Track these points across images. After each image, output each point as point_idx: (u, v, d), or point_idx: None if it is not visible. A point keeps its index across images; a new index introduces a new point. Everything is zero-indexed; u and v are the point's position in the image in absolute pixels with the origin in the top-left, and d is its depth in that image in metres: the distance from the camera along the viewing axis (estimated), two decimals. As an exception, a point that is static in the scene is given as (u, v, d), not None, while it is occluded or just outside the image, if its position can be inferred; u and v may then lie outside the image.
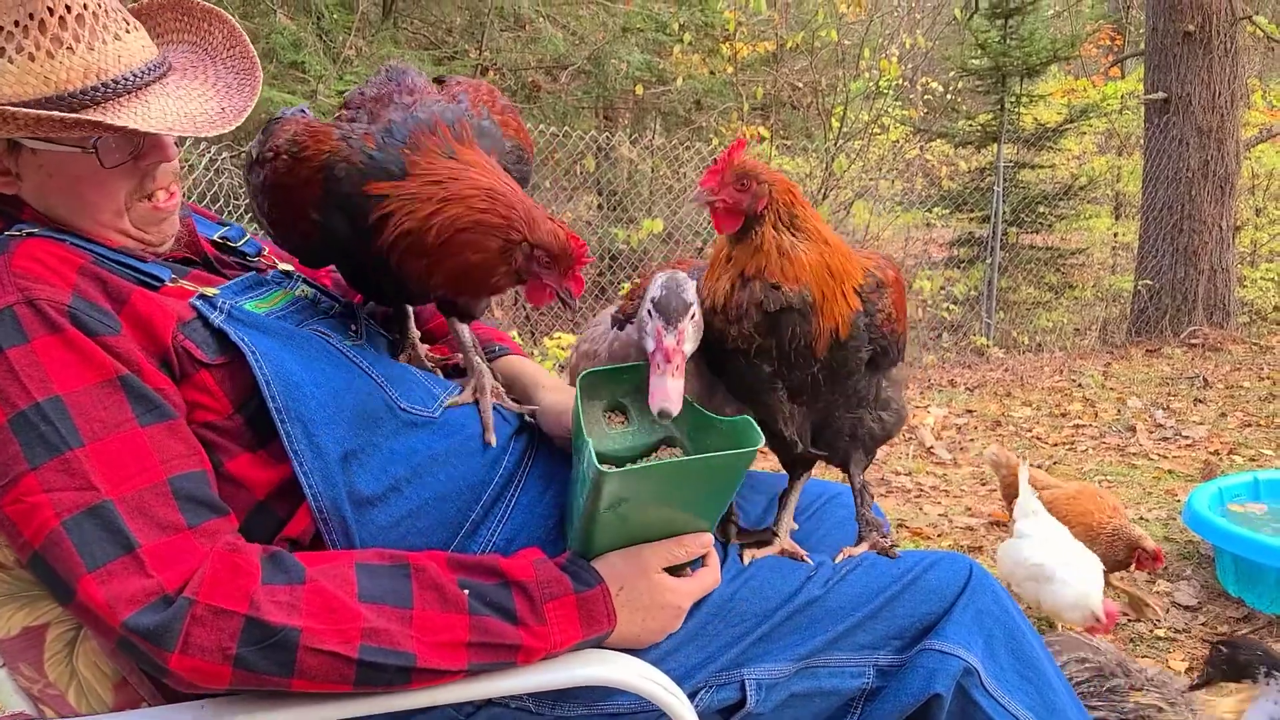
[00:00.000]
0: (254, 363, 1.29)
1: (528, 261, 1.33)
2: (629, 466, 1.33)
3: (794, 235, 1.36)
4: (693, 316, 1.34)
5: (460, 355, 1.63)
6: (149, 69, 1.33)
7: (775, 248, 1.36)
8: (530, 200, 1.34)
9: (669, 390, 1.28)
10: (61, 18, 1.25)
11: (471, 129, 1.41)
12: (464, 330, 1.59)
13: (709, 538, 1.40)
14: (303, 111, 1.46)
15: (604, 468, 1.23)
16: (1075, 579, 2.72)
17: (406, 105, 1.40)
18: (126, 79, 1.29)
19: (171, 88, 1.36)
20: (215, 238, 1.57)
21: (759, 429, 1.33)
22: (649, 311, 1.33)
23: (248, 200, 1.53)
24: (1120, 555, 3.06)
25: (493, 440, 1.46)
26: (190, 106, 1.35)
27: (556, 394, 1.56)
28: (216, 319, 1.31)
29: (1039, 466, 4.88)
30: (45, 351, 1.19)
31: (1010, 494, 3.36)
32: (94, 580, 1.14)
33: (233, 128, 1.35)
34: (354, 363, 1.39)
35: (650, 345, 1.32)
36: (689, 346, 1.33)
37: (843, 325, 1.39)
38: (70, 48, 1.26)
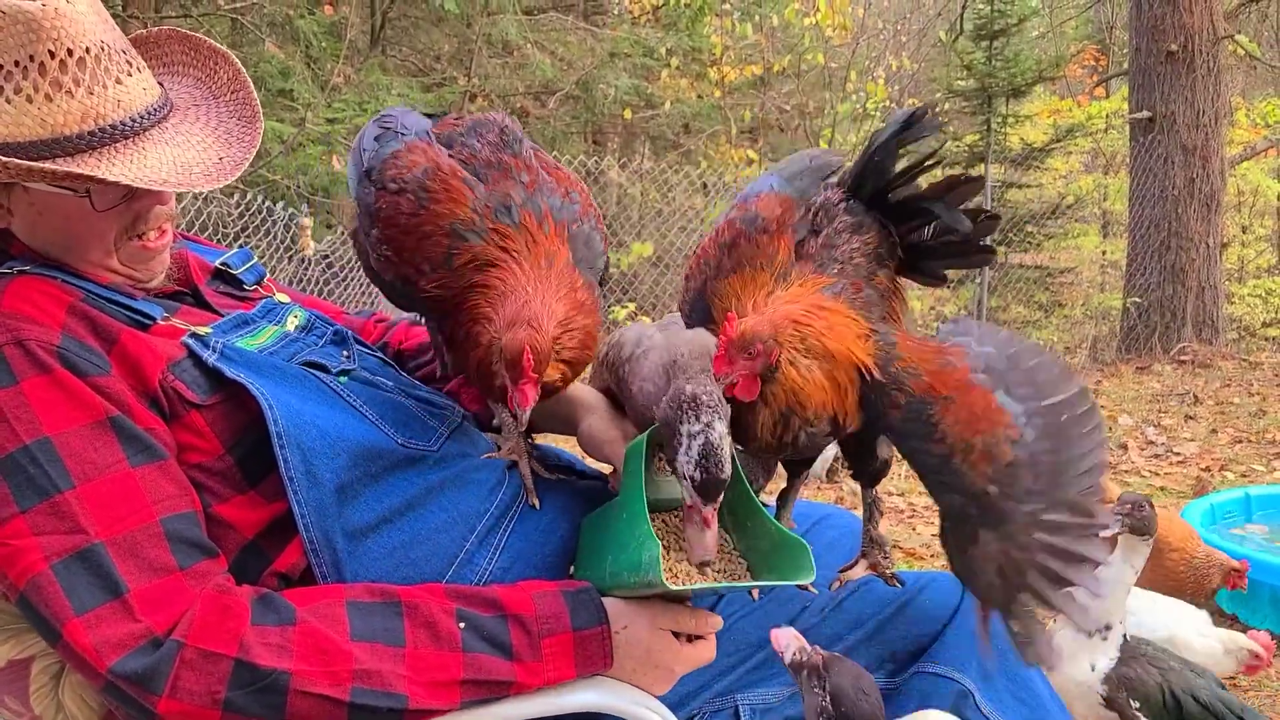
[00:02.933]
0: (256, 393, 1.27)
1: (498, 360, 1.30)
2: (694, 586, 1.30)
3: (808, 359, 1.32)
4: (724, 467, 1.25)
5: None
6: (149, 113, 1.32)
7: (797, 381, 1.31)
8: (553, 308, 1.32)
9: (708, 544, 1.24)
10: (62, 61, 1.24)
11: (577, 236, 1.44)
12: None
13: (720, 620, 1.38)
14: (427, 135, 1.46)
15: (670, 584, 1.23)
16: (1203, 628, 2.53)
17: (525, 184, 1.42)
18: (125, 124, 1.28)
19: (171, 132, 1.35)
20: (217, 264, 1.56)
21: (812, 559, 1.30)
22: (686, 478, 1.23)
23: (357, 220, 1.49)
24: (1215, 581, 2.86)
25: (536, 503, 1.45)
26: (188, 155, 1.34)
27: (597, 419, 1.52)
28: (210, 358, 1.30)
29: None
30: (34, 392, 1.18)
31: None
32: (81, 625, 1.12)
33: (229, 181, 1.34)
34: (348, 402, 1.38)
35: (687, 500, 1.25)
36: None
37: (851, 418, 1.35)
38: (69, 91, 1.24)
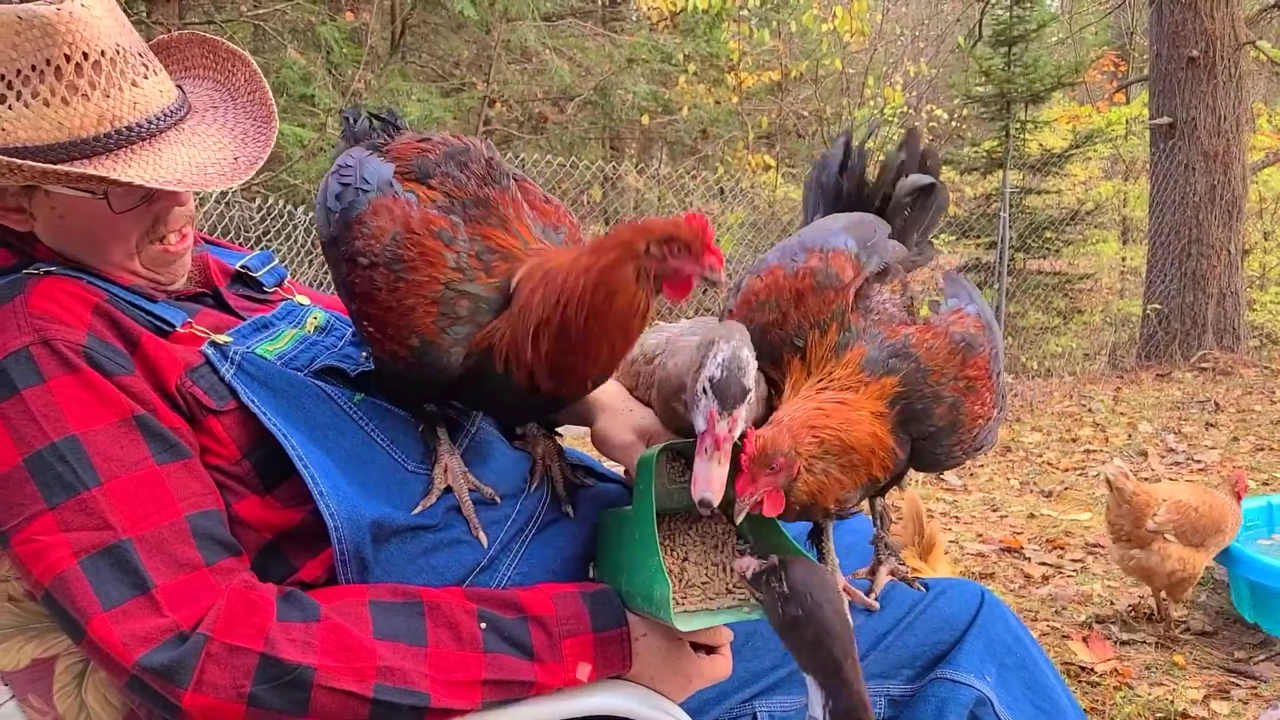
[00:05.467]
0: (271, 426, 1.28)
1: (661, 263, 1.22)
2: (706, 614, 1.30)
3: (825, 461, 1.32)
4: (749, 403, 1.24)
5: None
6: (165, 115, 1.33)
7: (814, 486, 1.32)
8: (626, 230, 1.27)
9: (713, 478, 1.19)
10: (78, 65, 1.25)
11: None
12: None
13: (730, 633, 1.39)
14: (390, 186, 1.34)
15: (680, 625, 1.24)
16: None
17: (504, 218, 1.34)
18: (141, 126, 1.29)
19: (188, 134, 1.36)
20: (238, 267, 1.57)
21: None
22: (704, 389, 1.22)
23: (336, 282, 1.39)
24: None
25: (570, 513, 1.45)
26: (204, 155, 1.34)
27: (611, 418, 1.52)
28: (227, 373, 1.30)
29: (1048, 494, 4.85)
30: (61, 391, 1.19)
31: (1133, 518, 3.10)
32: (108, 619, 1.13)
33: (244, 180, 1.35)
34: (360, 426, 1.37)
35: (701, 425, 1.22)
36: (740, 430, 1.24)
37: (882, 475, 1.39)
38: (85, 95, 1.25)
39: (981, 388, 1.43)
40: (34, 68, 1.23)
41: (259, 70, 1.49)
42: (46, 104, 1.24)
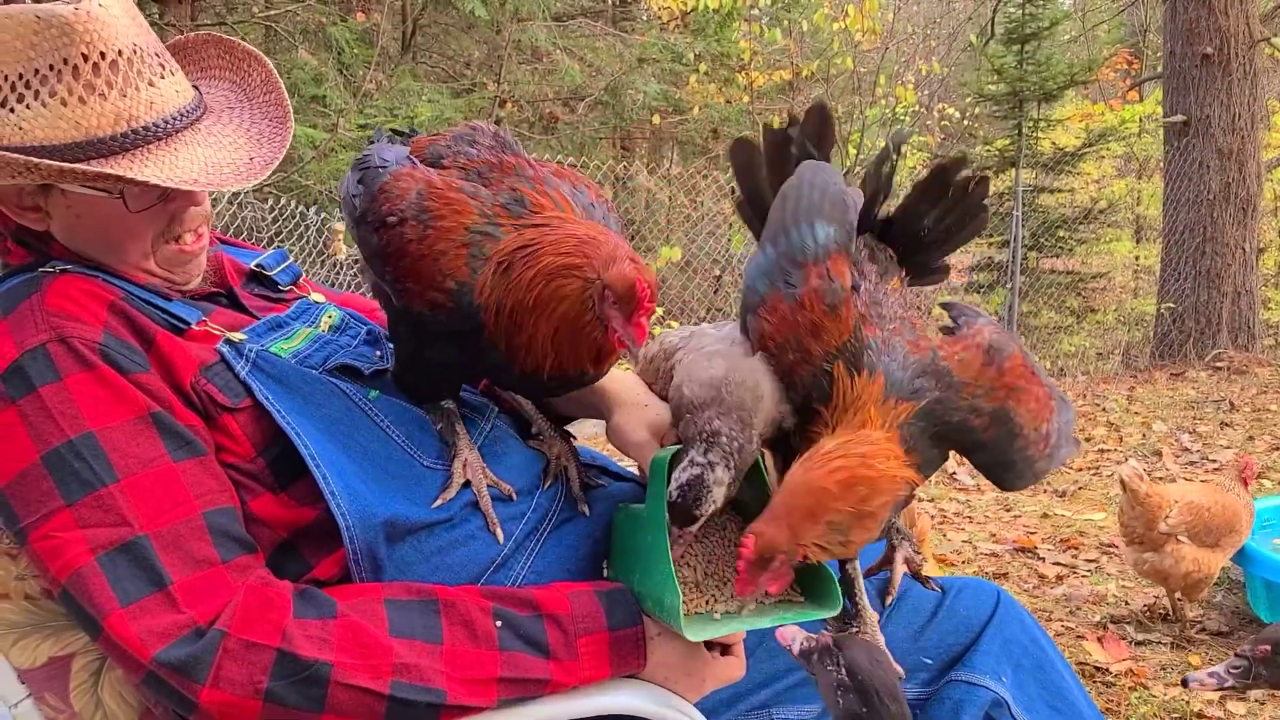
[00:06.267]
0: (285, 425, 1.28)
1: (600, 303, 1.24)
2: (716, 623, 1.31)
3: (838, 533, 1.26)
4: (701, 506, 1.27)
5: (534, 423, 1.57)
6: (182, 114, 1.33)
7: (832, 553, 1.29)
8: (624, 245, 1.27)
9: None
10: (95, 64, 1.25)
11: (593, 214, 1.38)
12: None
13: (743, 632, 1.39)
14: (409, 161, 1.38)
15: (690, 635, 1.25)
16: None
17: (530, 177, 1.36)
18: (157, 126, 1.30)
19: (204, 134, 1.36)
20: (252, 266, 1.57)
21: (839, 590, 1.33)
22: (673, 482, 1.27)
23: (359, 260, 1.45)
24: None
25: (586, 511, 1.46)
26: (220, 155, 1.35)
27: (626, 413, 1.51)
28: (242, 370, 1.31)
29: (1062, 494, 4.83)
30: (78, 388, 1.20)
31: (1146, 520, 3.08)
32: (125, 615, 1.14)
33: (259, 180, 1.35)
34: (375, 423, 1.38)
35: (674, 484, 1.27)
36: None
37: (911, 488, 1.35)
38: (102, 94, 1.26)
39: (1027, 386, 1.35)
40: (52, 67, 1.24)
41: (274, 70, 1.49)
42: (64, 103, 1.24)
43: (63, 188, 1.30)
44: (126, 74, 1.27)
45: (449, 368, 1.41)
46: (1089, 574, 3.74)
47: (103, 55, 1.26)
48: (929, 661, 1.49)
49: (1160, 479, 4.91)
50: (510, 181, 1.35)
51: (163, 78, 1.32)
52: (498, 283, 1.27)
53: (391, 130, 1.58)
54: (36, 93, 1.24)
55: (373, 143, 1.57)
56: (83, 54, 1.24)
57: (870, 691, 1.14)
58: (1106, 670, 2.90)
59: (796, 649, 1.21)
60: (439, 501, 1.34)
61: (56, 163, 1.22)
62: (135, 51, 1.29)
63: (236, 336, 1.35)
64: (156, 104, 1.30)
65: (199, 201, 1.39)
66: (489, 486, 1.39)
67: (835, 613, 1.32)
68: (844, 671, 1.15)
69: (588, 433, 1.63)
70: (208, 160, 1.32)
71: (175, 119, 1.32)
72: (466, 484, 1.37)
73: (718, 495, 1.26)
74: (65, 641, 1.31)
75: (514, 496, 1.40)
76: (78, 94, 1.25)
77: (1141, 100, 12.02)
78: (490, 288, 1.27)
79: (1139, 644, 3.09)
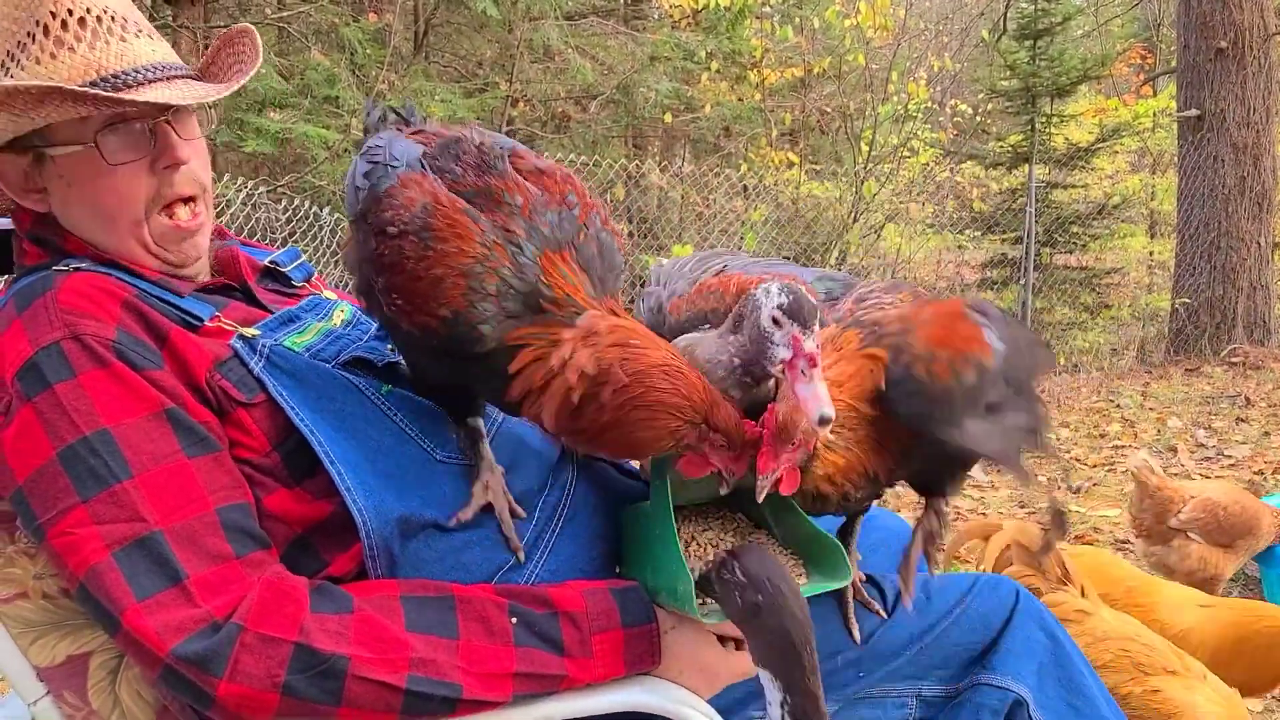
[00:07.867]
0: (297, 420, 1.28)
1: (699, 440, 1.23)
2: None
3: (842, 435, 1.29)
4: (822, 323, 1.22)
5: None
6: (155, 68, 1.33)
7: (841, 459, 1.30)
8: (701, 377, 1.24)
9: (823, 394, 1.14)
10: (64, 21, 1.27)
11: (596, 247, 1.30)
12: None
13: None
14: (420, 164, 1.30)
15: (705, 618, 1.25)
16: None
17: (520, 209, 1.27)
18: (127, 74, 1.30)
19: (179, 85, 1.35)
20: (266, 262, 1.58)
21: (848, 560, 1.32)
22: (774, 320, 1.20)
23: (349, 261, 1.37)
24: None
25: (521, 558, 1.40)
26: (190, 91, 1.35)
27: None
28: (256, 366, 1.31)
29: (1077, 490, 4.81)
30: (92, 386, 1.20)
31: (1156, 513, 3.07)
32: (142, 610, 1.14)
33: (222, 95, 1.36)
34: (389, 417, 1.37)
35: (785, 354, 1.19)
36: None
37: (893, 467, 1.36)
38: (71, 48, 1.28)
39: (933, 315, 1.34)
40: (30, 34, 1.27)
41: (258, 39, 1.48)
42: (38, 62, 1.27)
43: (51, 154, 1.31)
44: (96, 29, 1.30)
45: (445, 386, 1.38)
46: (1105, 571, 3.72)
47: (70, 12, 1.28)
48: (948, 659, 1.49)
49: (1175, 475, 4.89)
50: (501, 218, 1.26)
51: (137, 36, 1.34)
52: (577, 410, 1.21)
53: (389, 109, 1.54)
54: (19, 61, 1.28)
55: (369, 115, 1.55)
56: (51, 11, 1.27)
57: (763, 580, 1.17)
58: (1123, 667, 2.88)
59: (697, 576, 1.25)
60: (454, 521, 1.33)
61: (8, 83, 1.23)
62: (105, 12, 1.31)
63: (250, 332, 1.35)
64: (127, 56, 1.31)
65: (177, 158, 1.36)
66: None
67: (845, 584, 1.31)
68: (739, 572, 1.19)
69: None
70: (171, 95, 1.32)
71: (147, 70, 1.32)
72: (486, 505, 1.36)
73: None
74: (83, 640, 1.32)
75: (522, 515, 1.39)
76: (49, 50, 1.27)
77: (1155, 95, 11.96)
78: (538, 362, 1.22)
79: (1156, 641, 3.07)
